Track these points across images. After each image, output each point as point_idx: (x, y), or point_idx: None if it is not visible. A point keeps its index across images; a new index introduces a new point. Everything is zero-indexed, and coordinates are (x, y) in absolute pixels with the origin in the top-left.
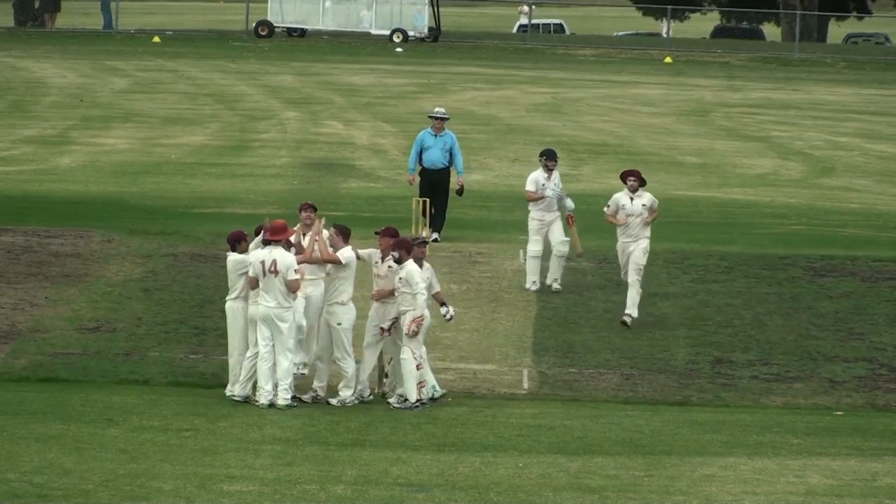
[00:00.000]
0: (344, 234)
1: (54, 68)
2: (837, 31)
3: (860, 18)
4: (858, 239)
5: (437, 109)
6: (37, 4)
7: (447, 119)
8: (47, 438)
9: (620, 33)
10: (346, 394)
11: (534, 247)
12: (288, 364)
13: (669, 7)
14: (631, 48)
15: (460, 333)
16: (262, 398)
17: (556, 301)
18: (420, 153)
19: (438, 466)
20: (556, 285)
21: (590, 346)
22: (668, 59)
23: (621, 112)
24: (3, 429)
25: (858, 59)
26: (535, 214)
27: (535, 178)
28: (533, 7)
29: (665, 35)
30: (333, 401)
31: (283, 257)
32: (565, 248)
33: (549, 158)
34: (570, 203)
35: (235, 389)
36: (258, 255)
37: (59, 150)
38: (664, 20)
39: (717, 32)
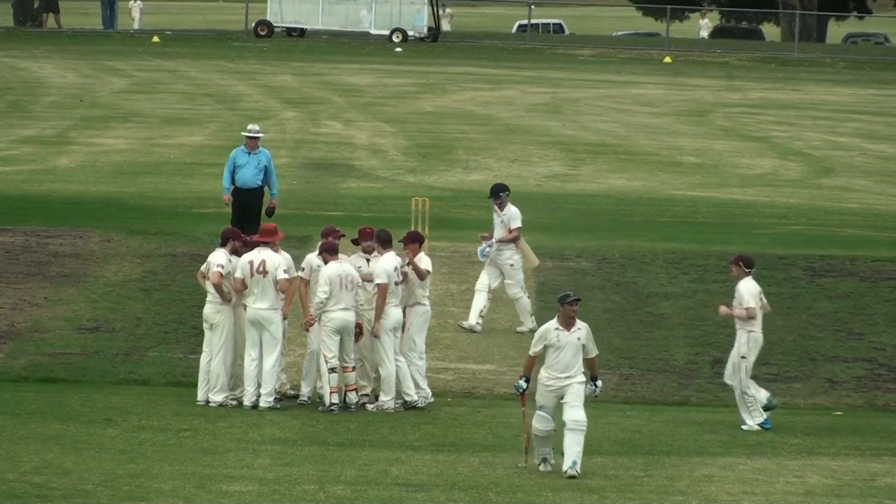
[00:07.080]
0: (382, 242)
1: (53, 68)
2: (837, 31)
3: (860, 18)
4: (857, 239)
5: (250, 127)
6: (36, 4)
7: (260, 137)
8: (46, 438)
9: (620, 33)
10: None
11: (479, 279)
12: (272, 366)
13: (669, 7)
14: (630, 48)
15: (460, 333)
16: (247, 399)
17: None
18: (233, 172)
19: (438, 467)
20: (525, 327)
21: None
22: (667, 59)
23: (620, 112)
24: (2, 429)
25: (858, 59)
26: None
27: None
28: (531, 7)
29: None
30: (371, 406)
31: (271, 258)
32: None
33: (491, 194)
34: (487, 250)
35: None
36: (247, 256)
37: (58, 151)
38: (663, 20)
39: (717, 32)
